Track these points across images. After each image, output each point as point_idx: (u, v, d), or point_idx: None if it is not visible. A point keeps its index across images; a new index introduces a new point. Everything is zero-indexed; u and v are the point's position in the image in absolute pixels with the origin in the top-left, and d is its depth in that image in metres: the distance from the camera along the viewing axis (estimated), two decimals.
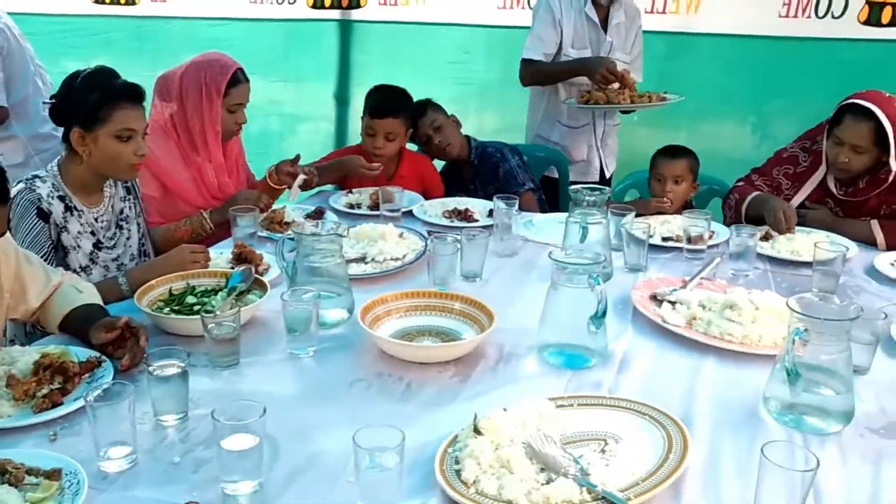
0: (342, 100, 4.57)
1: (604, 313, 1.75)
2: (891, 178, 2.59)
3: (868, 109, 2.54)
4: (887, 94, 2.60)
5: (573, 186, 2.31)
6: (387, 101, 3.19)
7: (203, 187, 2.73)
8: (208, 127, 2.67)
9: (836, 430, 1.55)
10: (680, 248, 2.55)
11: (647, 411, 1.55)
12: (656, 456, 1.42)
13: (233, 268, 2.19)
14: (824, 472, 1.42)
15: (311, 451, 1.47)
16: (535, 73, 3.46)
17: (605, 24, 3.47)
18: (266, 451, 1.38)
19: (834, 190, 2.75)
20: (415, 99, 3.27)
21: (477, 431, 1.43)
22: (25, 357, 1.68)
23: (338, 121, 4.61)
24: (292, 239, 2.04)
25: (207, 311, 1.85)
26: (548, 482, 1.32)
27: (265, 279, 2.11)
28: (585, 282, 1.75)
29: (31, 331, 2.11)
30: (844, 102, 2.63)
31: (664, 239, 2.64)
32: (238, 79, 2.70)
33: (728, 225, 2.68)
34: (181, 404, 1.56)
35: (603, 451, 1.44)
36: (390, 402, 1.66)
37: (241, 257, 2.24)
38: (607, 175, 3.75)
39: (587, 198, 2.25)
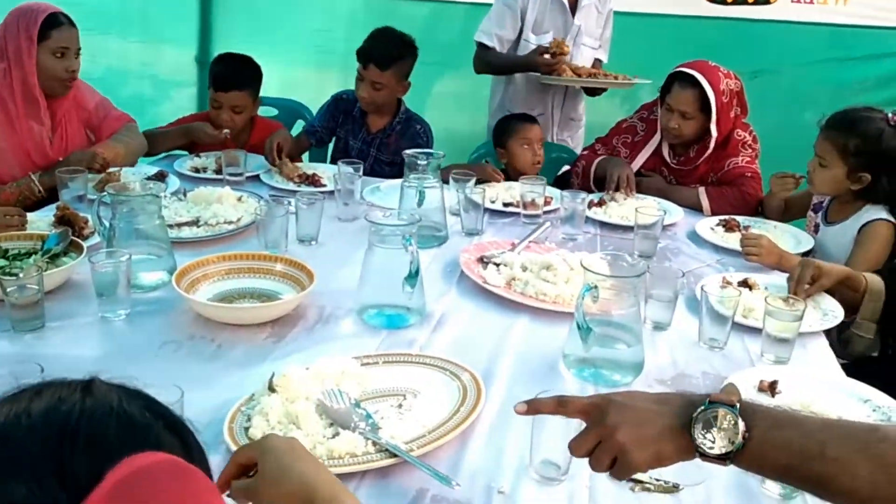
0: (203, 64, 4.43)
1: (416, 273, 1.78)
2: (712, 144, 2.73)
3: (693, 77, 2.67)
4: (713, 64, 2.73)
5: (407, 151, 2.34)
6: (232, 73, 3.09)
7: (33, 152, 2.61)
8: (29, 78, 2.54)
9: (627, 382, 1.64)
10: (517, 214, 2.61)
11: (448, 366, 1.60)
12: (449, 408, 1.47)
13: (52, 230, 2.11)
14: None
15: None
16: (486, 62, 3.32)
17: (574, 6, 3.33)
18: None
19: (668, 158, 2.88)
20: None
21: (271, 389, 1.44)
22: None
23: (200, 86, 4.48)
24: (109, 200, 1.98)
25: (11, 274, 1.78)
26: (334, 436, 1.35)
27: (88, 242, 2.05)
28: (400, 243, 1.77)
29: None
30: (673, 71, 2.75)
31: (505, 204, 2.70)
32: (59, 20, 2.58)
33: None
34: None
35: (400, 405, 1.48)
36: (198, 362, 1.65)
37: (63, 220, 2.16)
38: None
39: (420, 162, 2.28)
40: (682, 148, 2.84)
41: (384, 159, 3.15)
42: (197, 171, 2.90)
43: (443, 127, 3.99)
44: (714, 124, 2.70)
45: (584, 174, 2.94)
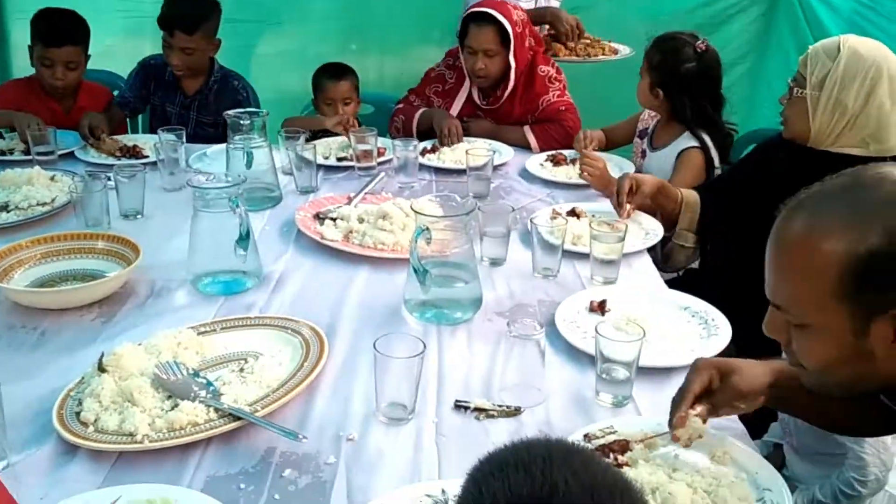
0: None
1: (247, 235, 1.74)
2: (512, 76, 2.79)
3: (488, 14, 2.73)
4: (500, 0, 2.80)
5: (228, 112, 2.26)
6: (64, 26, 2.86)
7: None
8: None
9: (468, 318, 1.68)
10: (352, 168, 2.59)
11: (288, 325, 1.58)
12: (292, 366, 1.46)
13: None
14: (451, 356, 1.55)
15: None
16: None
17: None
18: None
19: (479, 101, 2.92)
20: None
21: (102, 370, 1.37)
22: None
23: None
24: None
25: None
26: (173, 408, 1.31)
27: None
28: (226, 206, 1.72)
29: None
30: (466, 13, 2.78)
31: (339, 159, 2.67)
32: None
33: None
34: None
35: (242, 370, 1.45)
36: (19, 353, 1.55)
37: None
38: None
39: (243, 122, 2.21)
40: (490, 89, 2.89)
41: (206, 121, 3.02)
42: (2, 153, 2.68)
43: (271, 87, 3.88)
44: (512, 56, 2.77)
45: (405, 128, 2.91)
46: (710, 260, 2.26)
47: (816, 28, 3.52)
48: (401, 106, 2.99)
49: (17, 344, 1.57)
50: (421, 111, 2.88)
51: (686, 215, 2.19)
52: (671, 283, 2.00)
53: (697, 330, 1.64)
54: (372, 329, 1.62)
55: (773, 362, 1.23)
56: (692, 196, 2.19)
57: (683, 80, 2.46)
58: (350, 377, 1.47)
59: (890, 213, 0.92)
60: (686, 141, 2.52)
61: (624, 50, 3.31)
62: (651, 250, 2.07)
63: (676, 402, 1.21)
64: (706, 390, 1.21)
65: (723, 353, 1.53)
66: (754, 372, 1.21)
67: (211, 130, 2.97)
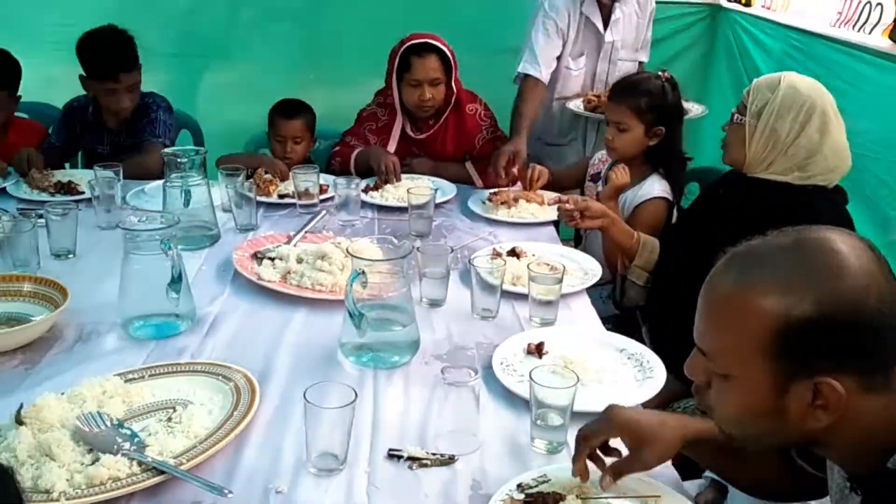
0: None
1: (179, 278, 1.70)
2: (453, 99, 2.81)
3: (429, 44, 2.76)
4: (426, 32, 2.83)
5: (166, 150, 2.22)
6: None
7: None
8: None
9: (405, 361, 1.66)
10: (294, 205, 2.57)
11: (220, 371, 1.54)
12: (222, 415, 1.42)
13: None
14: (387, 401, 1.53)
15: None
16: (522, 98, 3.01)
17: (606, 21, 3.16)
18: None
19: (412, 134, 2.92)
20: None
21: (19, 422, 1.32)
22: None
23: None
24: None
25: None
26: (94, 462, 1.26)
27: None
28: (158, 248, 1.68)
29: None
30: (403, 47, 2.78)
31: (280, 196, 2.65)
32: None
33: None
34: None
35: (170, 419, 1.41)
36: None
37: None
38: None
39: (180, 160, 2.17)
40: (421, 121, 2.91)
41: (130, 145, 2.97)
42: None
43: (218, 120, 3.85)
44: (454, 82, 2.81)
45: (342, 171, 2.86)
46: (653, 297, 2.28)
47: (751, 69, 3.63)
48: (337, 148, 2.95)
49: None
50: (357, 151, 2.85)
51: (643, 254, 2.23)
52: (621, 320, 2.01)
53: (633, 373, 1.64)
54: (306, 374, 1.59)
55: (688, 423, 1.24)
56: (651, 239, 2.25)
57: (674, 112, 2.51)
58: (282, 426, 1.44)
59: (825, 283, 0.93)
60: (652, 186, 2.50)
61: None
62: (607, 286, 2.09)
63: (576, 452, 1.25)
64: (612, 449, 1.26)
65: (666, 387, 1.57)
66: (667, 442, 1.22)
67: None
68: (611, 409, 1.25)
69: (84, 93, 2.93)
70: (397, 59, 2.78)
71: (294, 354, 1.69)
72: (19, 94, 2.95)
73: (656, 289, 2.27)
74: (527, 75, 3.03)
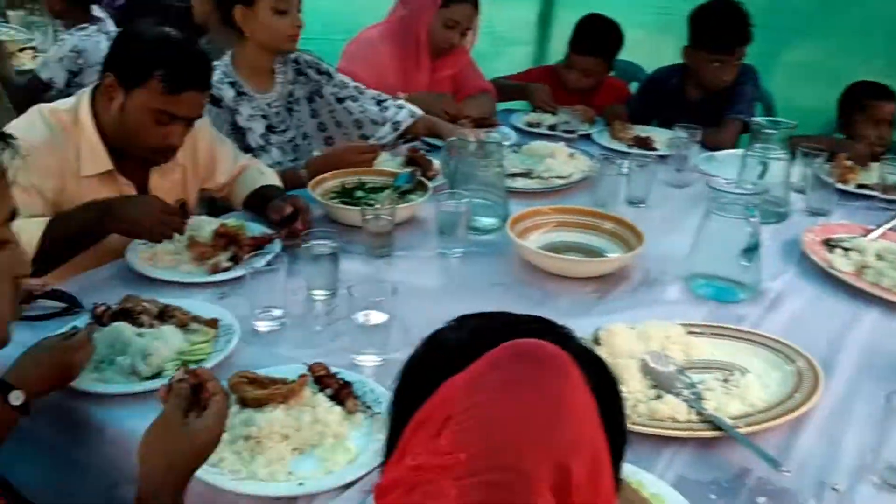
0: (546, 21, 4.50)
1: (756, 246, 1.67)
2: None
3: None
4: None
5: (755, 119, 2.19)
6: (588, 37, 3.14)
7: None
8: (421, 33, 2.80)
9: None
10: (873, 198, 2.34)
11: (783, 349, 1.49)
12: (781, 393, 1.37)
13: (402, 169, 2.30)
14: None
15: None
16: None
17: None
18: (397, 332, 1.48)
19: None
20: None
21: (596, 342, 1.44)
22: (209, 226, 1.89)
23: (537, 45, 4.57)
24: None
25: (369, 205, 1.97)
26: (657, 398, 1.32)
27: (432, 183, 2.20)
28: (741, 212, 1.68)
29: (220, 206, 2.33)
30: None
31: (859, 186, 2.44)
32: None
33: None
34: (331, 282, 1.69)
35: (726, 380, 1.40)
36: (525, 306, 1.66)
37: (411, 161, 2.35)
38: None
39: (765, 130, 2.13)
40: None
41: None
42: (531, 125, 2.98)
43: (785, 98, 3.70)
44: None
45: None
46: None
47: None
48: None
49: (525, 297, 1.74)
50: None
51: None
52: None
53: None
54: (875, 379, 1.45)
55: None
56: None
57: None
58: (842, 422, 1.34)
59: None
60: None
61: None
62: None
63: None
64: None
65: None
66: None
67: None
68: None
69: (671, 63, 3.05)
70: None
71: (861, 353, 1.55)
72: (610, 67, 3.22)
73: None
74: None
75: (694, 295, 1.76)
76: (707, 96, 2.96)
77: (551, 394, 0.65)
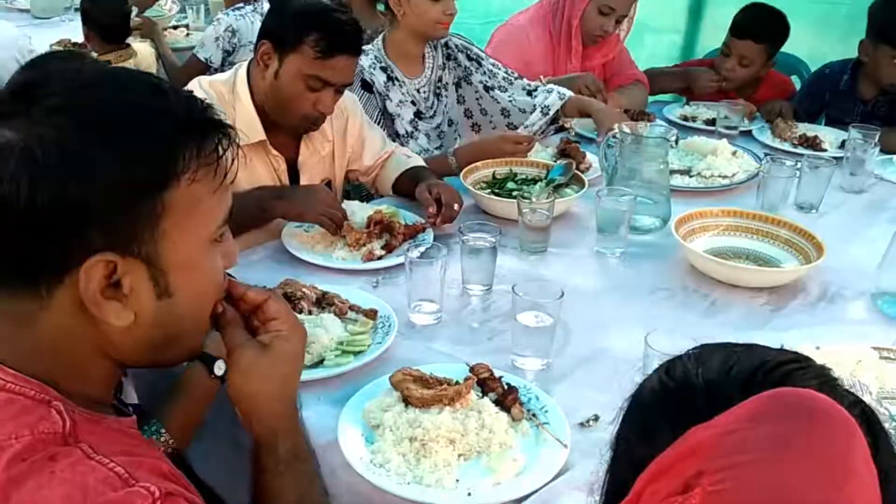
0: (698, 8, 4.29)
1: None
2: None
3: None
4: None
5: None
6: (750, 21, 2.95)
7: None
8: (573, 19, 2.70)
9: None
10: None
11: None
12: None
13: (556, 161, 2.21)
14: None
15: (600, 344, 1.48)
16: None
17: None
18: (559, 335, 1.42)
19: None
20: None
21: None
22: (362, 212, 1.87)
23: (687, 32, 4.36)
24: (615, 139, 2.00)
25: (524, 197, 1.90)
26: None
27: (585, 177, 2.11)
28: None
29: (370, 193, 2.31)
30: None
31: None
32: None
33: None
34: (487, 277, 1.64)
35: None
36: (691, 314, 1.60)
37: (565, 153, 2.26)
38: None
39: None
40: None
41: None
42: (686, 119, 2.83)
43: None
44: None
45: None
46: None
47: None
48: None
49: (691, 305, 1.64)
50: None
51: None
52: None
53: None
54: None
55: None
56: None
57: None
58: None
59: None
60: None
61: None
62: None
63: None
64: None
65: None
66: None
67: None
68: None
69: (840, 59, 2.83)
70: None
71: None
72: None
73: None
74: None
75: (882, 314, 1.61)
76: (884, 95, 2.73)
77: (830, 459, 0.56)
